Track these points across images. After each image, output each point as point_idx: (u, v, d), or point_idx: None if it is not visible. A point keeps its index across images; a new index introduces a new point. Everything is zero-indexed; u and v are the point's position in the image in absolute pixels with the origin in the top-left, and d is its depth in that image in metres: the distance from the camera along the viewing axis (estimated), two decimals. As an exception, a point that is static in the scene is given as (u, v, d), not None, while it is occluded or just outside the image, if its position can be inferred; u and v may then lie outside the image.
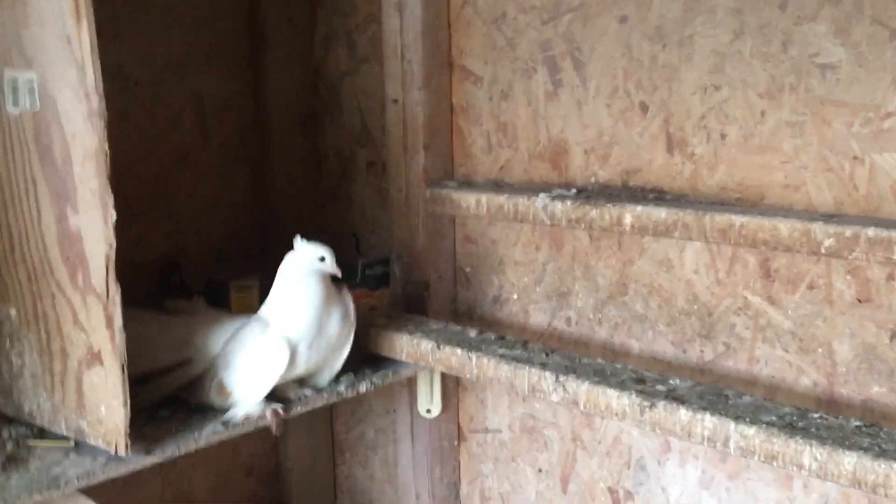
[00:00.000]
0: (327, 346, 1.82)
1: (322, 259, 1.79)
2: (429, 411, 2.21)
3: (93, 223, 1.48)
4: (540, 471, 2.15)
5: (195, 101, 2.32)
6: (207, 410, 1.78)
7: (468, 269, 2.20)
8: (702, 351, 1.83)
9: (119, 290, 1.48)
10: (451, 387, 2.25)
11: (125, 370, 1.51)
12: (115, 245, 1.46)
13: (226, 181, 2.39)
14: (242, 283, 2.07)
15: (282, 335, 1.75)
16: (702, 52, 1.75)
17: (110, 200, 1.46)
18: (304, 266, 1.79)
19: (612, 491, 2.01)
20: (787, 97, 1.66)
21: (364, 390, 1.91)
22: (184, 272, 2.23)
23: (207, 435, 1.68)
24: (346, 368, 1.93)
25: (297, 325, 1.77)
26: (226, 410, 1.76)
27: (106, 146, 1.45)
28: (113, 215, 1.46)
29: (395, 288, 2.21)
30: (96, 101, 1.44)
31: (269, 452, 2.56)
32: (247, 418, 1.75)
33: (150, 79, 2.22)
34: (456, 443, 2.30)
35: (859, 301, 1.62)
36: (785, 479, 1.74)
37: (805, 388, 1.70)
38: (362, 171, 2.41)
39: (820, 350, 1.67)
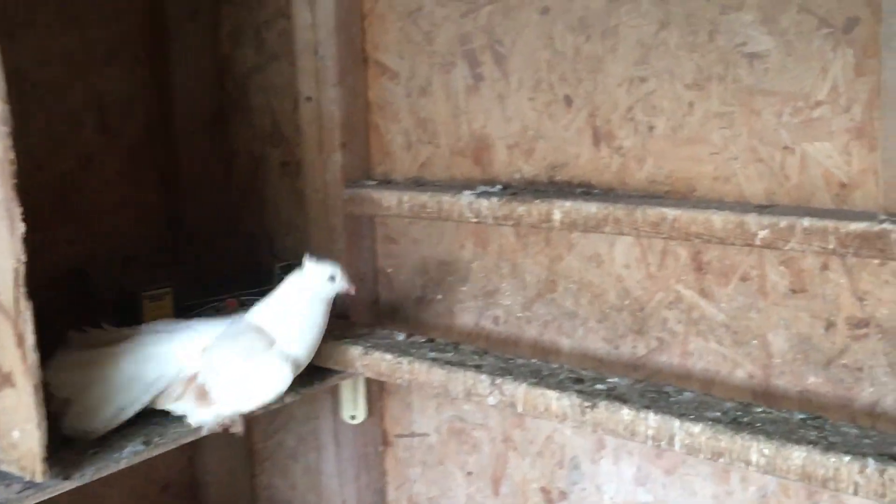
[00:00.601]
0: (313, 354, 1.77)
1: (332, 278, 1.73)
2: (353, 417, 2.15)
3: (-2, 236, 1.39)
4: (470, 473, 2.10)
5: (97, 101, 2.20)
6: (124, 427, 1.69)
7: (390, 270, 2.14)
8: (634, 347, 1.80)
9: (30, 306, 1.38)
10: (376, 391, 2.19)
11: (39, 391, 1.42)
12: (24, 259, 1.37)
13: (132, 183, 2.28)
14: (155, 291, 1.97)
15: (287, 355, 1.69)
16: (627, 43, 1.73)
17: (17, 211, 1.36)
18: (314, 286, 1.73)
19: (545, 491, 1.98)
20: (715, 88, 1.64)
21: (290, 401, 1.83)
22: (92, 282, 2.12)
23: (129, 455, 1.59)
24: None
25: (302, 347, 1.72)
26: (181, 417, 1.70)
27: (12, 155, 1.35)
28: (21, 227, 1.36)
29: (313, 292, 2.13)
30: (0, 108, 1.34)
31: (185, 467, 2.46)
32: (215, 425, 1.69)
33: (48, 79, 2.10)
34: (381, 448, 2.24)
35: (793, 292, 1.61)
36: (722, 473, 1.73)
37: (740, 381, 1.68)
38: (275, 171, 2.32)
39: (755, 342, 1.66)
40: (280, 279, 2.09)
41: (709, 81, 1.64)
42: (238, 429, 1.70)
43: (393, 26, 2.03)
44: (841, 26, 1.50)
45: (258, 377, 1.69)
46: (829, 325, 1.58)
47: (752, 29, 1.58)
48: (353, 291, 1.74)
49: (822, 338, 1.59)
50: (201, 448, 2.38)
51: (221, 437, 2.27)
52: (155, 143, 2.32)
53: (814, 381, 1.61)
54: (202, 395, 1.68)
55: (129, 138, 2.27)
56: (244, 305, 2.06)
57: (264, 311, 1.75)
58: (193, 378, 1.68)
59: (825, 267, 1.57)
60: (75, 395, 1.63)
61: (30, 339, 1.39)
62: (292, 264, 2.11)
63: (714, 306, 1.69)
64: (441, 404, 2.12)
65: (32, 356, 1.40)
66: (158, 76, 2.31)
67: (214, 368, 1.68)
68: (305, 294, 1.73)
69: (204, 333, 1.74)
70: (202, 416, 1.69)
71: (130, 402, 1.66)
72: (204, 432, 1.69)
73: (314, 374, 1.90)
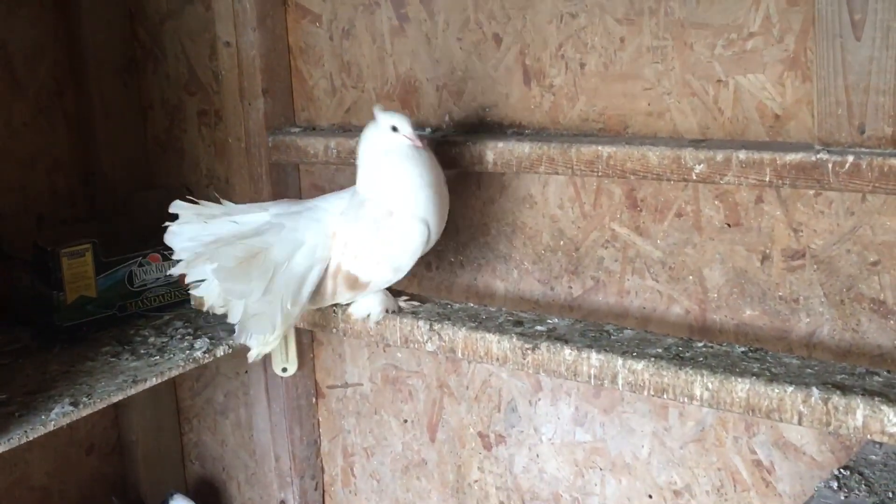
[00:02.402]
0: (444, 214, 1.65)
1: (395, 129, 1.59)
2: (284, 370, 2.11)
3: None
4: (405, 421, 2.08)
5: (1, 50, 2.10)
6: (49, 388, 1.63)
7: (317, 218, 2.09)
8: (570, 287, 1.79)
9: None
10: (307, 343, 2.15)
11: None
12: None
13: (43, 136, 2.19)
14: (73, 248, 1.89)
15: (410, 213, 1.58)
16: (556, -22, 1.69)
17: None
18: (381, 140, 1.60)
19: (482, 436, 1.97)
20: (646, 22, 1.62)
21: (221, 354, 1.79)
22: (4, 239, 2.03)
23: (56, 417, 1.53)
24: (200, 332, 1.81)
25: (413, 202, 1.58)
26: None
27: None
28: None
29: (239, 243, 2.07)
30: None
31: (110, 427, 2.39)
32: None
33: (-56, 28, 2.00)
34: (314, 400, 2.20)
35: (728, 226, 1.61)
36: (660, 409, 1.73)
37: (677, 317, 1.68)
38: (193, 120, 2.25)
39: (690, 278, 1.66)
40: (203, 232, 2.03)
41: (640, 15, 1.62)
42: (397, 306, 1.68)
43: (313, -34, 1.97)
44: (773, -44, 1.49)
45: (394, 245, 1.59)
46: (765, 258, 1.58)
47: (684, -39, 1.56)
48: (418, 144, 1.58)
49: (758, 271, 1.59)
50: (126, 407, 2.31)
51: (146, 393, 2.20)
52: (65, 94, 2.24)
53: (750, 314, 1.61)
54: (353, 282, 1.62)
55: (37, 88, 2.18)
56: (167, 260, 2.00)
57: (364, 178, 1.64)
58: (338, 268, 1.62)
59: (760, 200, 1.57)
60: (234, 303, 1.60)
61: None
62: (215, 216, 2.06)
63: (650, 243, 1.68)
64: (374, 353, 2.09)
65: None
66: (66, 23, 2.22)
67: (352, 252, 1.60)
68: (379, 149, 1.61)
69: (330, 215, 1.64)
70: (365, 302, 1.66)
71: (292, 302, 1.59)
72: (375, 319, 1.66)
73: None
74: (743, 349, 1.43)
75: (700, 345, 1.46)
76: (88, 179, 2.27)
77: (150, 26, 2.26)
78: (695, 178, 1.51)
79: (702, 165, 1.50)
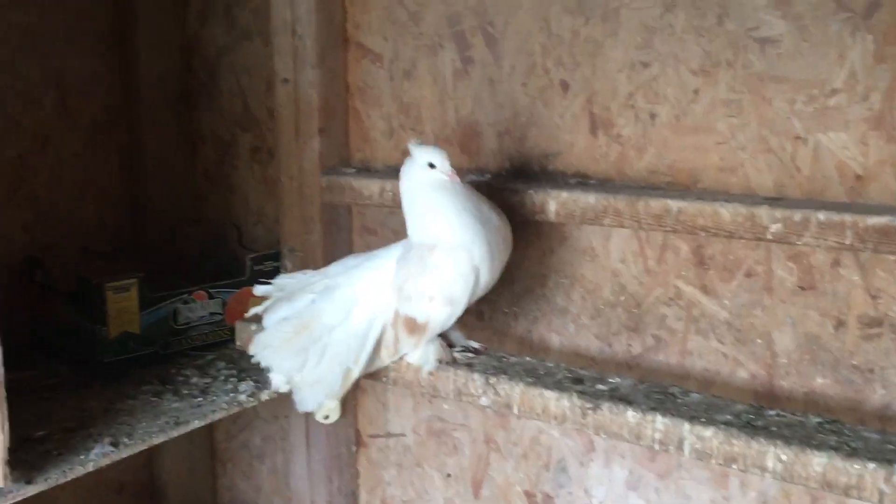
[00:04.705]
0: (498, 255, 1.58)
1: (432, 166, 1.54)
2: (326, 417, 2.03)
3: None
4: (449, 476, 2.01)
5: (56, 79, 2.08)
6: (89, 426, 1.58)
7: (367, 262, 2.04)
8: (629, 345, 1.72)
9: (-6, 294, 1.27)
10: (350, 390, 2.08)
11: (2, 389, 1.30)
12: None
13: (92, 167, 2.16)
14: (119, 282, 1.85)
15: (451, 244, 1.53)
16: (629, 26, 1.64)
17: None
18: (418, 176, 1.56)
19: (529, 495, 1.89)
20: (722, 74, 1.56)
21: (266, 398, 1.73)
22: (47, 270, 1.99)
23: (96, 457, 1.48)
24: (244, 374, 1.76)
25: (454, 235, 1.53)
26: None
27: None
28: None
29: (286, 284, 2.02)
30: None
31: (142, 466, 2.33)
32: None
33: (4, 55, 1.97)
34: (354, 449, 2.14)
35: (801, 288, 1.54)
36: (720, 478, 1.65)
37: (742, 382, 1.61)
38: (245, 156, 2.21)
39: (759, 341, 1.59)
40: (252, 271, 1.99)
41: (716, 67, 1.56)
42: (452, 357, 1.63)
43: (376, 5, 1.93)
44: (861, 11, 1.43)
45: (441, 277, 1.54)
46: (839, 324, 1.51)
47: (765, 12, 1.51)
48: (456, 179, 1.54)
49: (832, 337, 1.52)
50: (159, 446, 2.24)
51: (181, 435, 2.15)
52: (117, 126, 2.21)
53: (821, 382, 1.54)
54: (412, 326, 1.57)
55: (89, 119, 2.16)
56: (213, 298, 1.96)
57: (409, 220, 1.60)
58: (396, 315, 1.57)
59: (836, 263, 1.50)
60: (295, 373, 1.59)
61: (-8, 329, 1.28)
62: (264, 255, 2.02)
63: (716, 303, 1.62)
64: (419, 403, 2.02)
65: (-5, 351, 1.28)
66: (122, 54, 2.20)
67: (406, 295, 1.56)
68: (417, 186, 1.57)
69: (388, 261, 1.61)
70: (424, 351, 1.60)
71: (354, 360, 1.58)
72: (428, 370, 1.61)
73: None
74: (818, 420, 1.36)
75: (772, 413, 1.38)
76: (136, 212, 2.24)
77: (206, 60, 2.23)
78: (769, 237, 1.45)
79: (778, 225, 1.44)
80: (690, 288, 1.64)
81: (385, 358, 1.61)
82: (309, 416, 2.02)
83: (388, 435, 2.09)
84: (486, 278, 1.56)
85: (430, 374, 1.60)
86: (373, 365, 1.61)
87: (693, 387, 1.61)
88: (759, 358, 1.59)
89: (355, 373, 1.58)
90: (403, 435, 2.07)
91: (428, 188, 1.55)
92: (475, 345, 1.66)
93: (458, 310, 1.56)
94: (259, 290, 1.69)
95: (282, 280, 1.70)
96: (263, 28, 2.06)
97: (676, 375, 1.67)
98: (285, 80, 1.96)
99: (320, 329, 1.58)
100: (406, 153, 1.73)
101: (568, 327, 1.79)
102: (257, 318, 1.73)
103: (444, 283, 1.54)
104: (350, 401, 2.10)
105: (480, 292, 1.57)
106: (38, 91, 2.04)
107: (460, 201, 1.54)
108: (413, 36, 1.89)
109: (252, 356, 1.63)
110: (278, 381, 1.65)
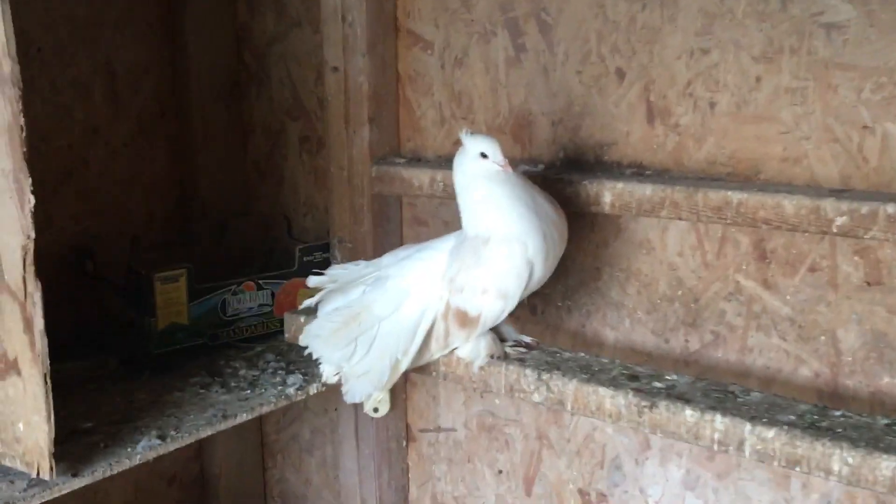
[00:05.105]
0: (553, 248, 1.54)
1: (484, 156, 1.50)
2: (376, 410, 2.01)
3: (5, 210, 1.25)
4: (500, 472, 1.97)
5: (105, 68, 2.06)
6: (136, 419, 1.56)
7: (418, 254, 2.00)
8: (686, 340, 1.67)
9: (39, 287, 1.25)
10: (400, 383, 2.05)
11: (48, 380, 1.28)
12: (33, 236, 1.23)
13: (142, 158, 2.15)
14: (168, 272, 1.83)
15: (503, 238, 1.50)
16: (688, 12, 1.59)
17: (27, 183, 1.23)
18: (471, 167, 1.52)
19: (582, 493, 1.85)
20: (786, 61, 1.50)
21: (315, 392, 1.70)
22: (97, 261, 1.98)
23: (143, 450, 1.46)
24: (293, 367, 1.74)
25: (508, 226, 1.50)
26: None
27: (21, 120, 1.21)
28: (31, 200, 1.23)
29: (336, 276, 2.00)
30: (9, 67, 1.21)
31: (192, 459, 2.32)
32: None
33: (54, 44, 1.96)
34: (404, 443, 2.11)
35: (868, 284, 1.48)
36: (781, 479, 1.60)
37: (805, 380, 1.55)
38: (294, 146, 2.19)
39: (822, 338, 1.53)
40: (301, 262, 1.97)
41: (779, 54, 1.50)
42: (503, 351, 1.59)
43: (427, -8, 1.89)
44: (933, -6, 1.37)
45: (494, 269, 1.50)
46: (909, 322, 1.45)
47: (831, -4, 1.45)
48: (509, 170, 1.50)
49: (900, 335, 1.46)
50: (210, 439, 2.24)
51: (230, 426, 2.14)
52: (166, 115, 2.19)
53: (888, 381, 1.48)
54: (463, 319, 1.53)
55: (139, 109, 2.14)
56: (262, 289, 1.94)
57: (463, 211, 1.57)
58: (447, 307, 1.54)
59: (906, 258, 1.44)
60: (344, 363, 1.57)
61: (39, 323, 1.27)
62: (313, 246, 2.00)
63: (778, 298, 1.56)
64: (470, 398, 1.99)
65: (41, 342, 1.27)
66: (171, 44, 2.18)
67: (458, 287, 1.52)
68: (469, 177, 1.53)
69: (440, 253, 1.58)
70: (475, 345, 1.56)
71: (403, 352, 1.55)
72: (479, 364, 1.57)
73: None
74: (886, 421, 1.30)
75: (837, 414, 1.33)
76: (185, 203, 2.22)
77: (256, 49, 2.21)
78: (835, 231, 1.39)
79: (843, 218, 1.38)
80: (751, 283, 1.58)
81: (435, 351, 1.57)
82: (359, 409, 2.01)
83: (439, 429, 2.06)
84: (541, 272, 1.51)
85: (481, 369, 1.56)
86: (422, 358, 1.58)
87: (753, 385, 1.56)
88: (823, 355, 1.53)
89: (404, 365, 1.55)
90: (454, 429, 2.03)
91: (481, 179, 1.51)
92: (527, 339, 1.62)
93: (511, 304, 1.52)
94: (312, 280, 1.66)
95: (334, 271, 1.67)
96: (313, 16, 2.03)
97: (736, 373, 1.62)
98: (335, 69, 1.93)
99: (370, 320, 1.54)
100: (458, 143, 1.70)
101: (623, 322, 1.74)
102: (308, 311, 1.71)
103: (497, 276, 1.50)
104: (400, 394, 2.07)
105: (534, 286, 1.53)
106: (87, 80, 2.03)
107: (515, 192, 1.50)
108: (465, 23, 1.85)
109: (303, 346, 1.60)
110: (328, 372, 1.63)
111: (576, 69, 1.72)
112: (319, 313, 1.64)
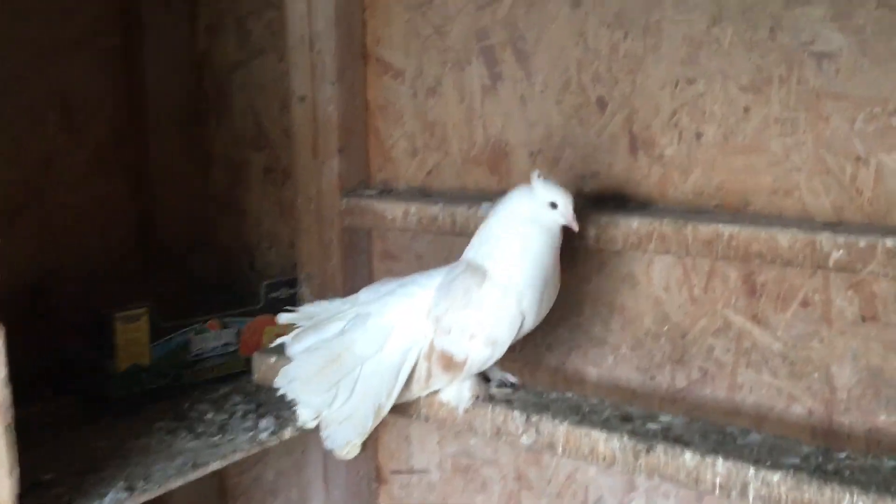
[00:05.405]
0: (546, 300, 1.47)
1: (553, 206, 1.42)
2: (347, 452, 1.93)
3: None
4: (476, 514, 1.90)
5: (60, 97, 1.96)
6: (100, 468, 1.47)
7: (388, 289, 1.94)
8: (673, 378, 1.62)
9: (3, 332, 1.16)
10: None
11: (12, 430, 1.20)
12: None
13: (98, 190, 2.05)
14: (129, 312, 1.74)
15: (504, 285, 1.42)
16: (672, 40, 1.55)
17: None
18: (530, 210, 1.44)
19: (563, 535, 1.79)
20: (775, 91, 1.47)
21: (289, 436, 1.62)
22: (52, 300, 1.89)
23: (111, 503, 1.37)
24: (265, 411, 1.66)
25: (519, 276, 1.42)
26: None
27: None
28: (-16, 237, 1.15)
29: (304, 312, 1.92)
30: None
31: (149, 500, 2.21)
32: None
33: (5, 72, 1.86)
34: (375, 485, 2.03)
35: (863, 319, 1.44)
36: (773, 520, 1.55)
37: (798, 418, 1.51)
38: (257, 177, 2.11)
39: (816, 374, 1.49)
40: (267, 298, 1.89)
41: (768, 84, 1.47)
42: (488, 393, 1.52)
43: (398, 19, 1.83)
44: (928, 23, 1.34)
45: (484, 317, 1.43)
46: (905, 357, 1.41)
47: (822, 25, 1.41)
48: (575, 227, 1.43)
49: (897, 371, 1.42)
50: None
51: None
52: (124, 145, 2.09)
53: (885, 419, 1.44)
54: (447, 362, 1.45)
55: (95, 139, 2.04)
56: (226, 328, 1.86)
57: (477, 244, 1.48)
58: (431, 347, 1.46)
59: (902, 292, 1.40)
60: (325, 408, 1.48)
61: (1, 371, 1.17)
62: (280, 282, 1.92)
63: (769, 334, 1.52)
64: (444, 438, 1.92)
65: (4, 391, 1.18)
66: (129, 71, 2.09)
67: (444, 328, 1.45)
68: (519, 218, 1.44)
69: (425, 289, 1.49)
70: (458, 388, 1.49)
71: (387, 395, 1.47)
72: (464, 407, 1.50)
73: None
74: (893, 463, 1.26)
75: (842, 456, 1.28)
76: (144, 236, 2.13)
77: (217, 77, 2.13)
78: (831, 265, 1.35)
79: (840, 252, 1.34)
80: (740, 318, 1.54)
81: (415, 392, 1.50)
82: (327, 450, 1.92)
83: (412, 471, 1.98)
84: (530, 324, 1.46)
85: (466, 411, 1.50)
86: (401, 398, 1.50)
87: (744, 423, 1.52)
88: (817, 392, 1.49)
89: (387, 408, 1.48)
90: (428, 471, 1.96)
91: (536, 227, 1.43)
92: (512, 378, 1.56)
93: (500, 352, 1.45)
94: (284, 317, 1.58)
95: (308, 308, 1.59)
96: (278, 43, 1.97)
97: (725, 411, 1.57)
98: (302, 98, 1.86)
99: (352, 361, 1.46)
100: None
101: (606, 359, 1.69)
102: (278, 350, 1.63)
103: (487, 322, 1.43)
104: (371, 434, 1.99)
105: (522, 335, 1.47)
106: (41, 109, 1.94)
107: (547, 251, 1.44)
108: (438, 51, 1.80)
109: (278, 389, 1.52)
110: (306, 417, 1.54)
111: (555, 98, 1.68)
112: (290, 353, 1.56)
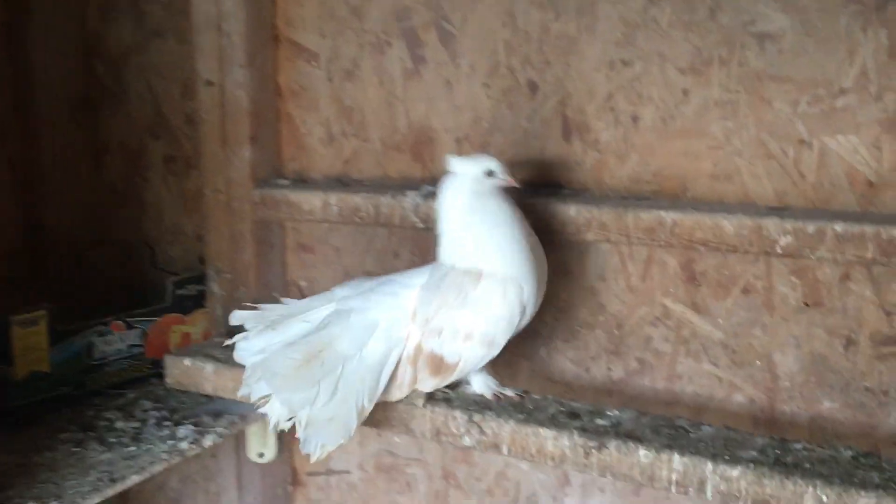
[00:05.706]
0: (541, 291, 1.40)
1: (489, 173, 1.36)
2: (261, 455, 1.84)
3: None
4: (401, 516, 1.83)
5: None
6: (6, 486, 1.34)
7: (303, 284, 1.84)
8: (609, 369, 1.58)
9: None
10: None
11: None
12: None
13: (-20, 184, 1.90)
14: (26, 315, 1.60)
15: (501, 278, 1.34)
16: (607, 21, 1.50)
17: None
18: (472, 189, 1.36)
19: (495, 535, 1.73)
20: (715, 72, 1.43)
21: (210, 444, 1.52)
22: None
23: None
24: (181, 418, 1.55)
25: (507, 262, 1.35)
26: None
27: None
28: None
29: (213, 310, 1.81)
30: None
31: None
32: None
33: None
34: (290, 489, 1.93)
35: (807, 305, 1.42)
36: (715, 512, 1.52)
37: (739, 407, 1.48)
38: (157, 167, 1.98)
39: (758, 363, 1.46)
40: (174, 296, 1.78)
41: (708, 65, 1.43)
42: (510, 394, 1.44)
43: (312, -1, 1.74)
44: (873, 4, 1.31)
45: (485, 318, 1.35)
46: (850, 344, 1.39)
47: (763, 5, 1.38)
48: (514, 183, 1.38)
49: (841, 357, 1.40)
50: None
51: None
52: (9, 136, 1.94)
53: (829, 406, 1.42)
54: (437, 365, 1.36)
55: (-26, 129, 1.89)
56: (131, 328, 1.74)
57: (448, 242, 1.40)
58: (418, 349, 1.36)
59: (846, 277, 1.38)
60: (308, 406, 1.35)
61: None
62: (188, 278, 1.81)
63: (709, 322, 1.48)
64: (365, 437, 1.83)
65: None
66: (13, 55, 1.93)
67: (435, 328, 1.35)
68: (467, 203, 1.37)
69: (408, 289, 1.40)
70: (483, 377, 1.44)
71: (369, 398, 1.35)
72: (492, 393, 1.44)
73: (232, 410, 1.61)
74: (851, 453, 1.23)
75: (798, 447, 1.25)
76: (34, 233, 1.98)
77: (111, 61, 1.99)
78: (779, 251, 1.32)
79: (788, 238, 1.31)
80: (680, 306, 1.50)
81: (394, 395, 1.40)
82: (241, 453, 1.84)
83: (330, 472, 1.90)
84: (527, 319, 1.39)
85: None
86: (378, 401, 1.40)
87: (684, 413, 1.48)
88: (759, 381, 1.46)
89: (367, 411, 1.37)
90: (348, 472, 1.87)
91: (488, 201, 1.37)
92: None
93: (495, 352, 1.38)
94: (237, 316, 1.47)
95: (266, 307, 1.48)
96: (179, 25, 1.85)
97: (663, 401, 1.53)
98: (209, 83, 1.75)
99: (334, 358, 1.35)
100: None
101: (538, 351, 1.63)
102: (194, 351, 1.52)
103: (486, 320, 1.35)
104: (286, 434, 1.89)
105: (518, 331, 1.40)
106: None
107: (517, 226, 1.37)
108: (355, 32, 1.71)
109: (245, 385, 1.40)
110: (279, 416, 1.39)
111: (482, 82, 1.61)
112: (242, 355, 1.44)
